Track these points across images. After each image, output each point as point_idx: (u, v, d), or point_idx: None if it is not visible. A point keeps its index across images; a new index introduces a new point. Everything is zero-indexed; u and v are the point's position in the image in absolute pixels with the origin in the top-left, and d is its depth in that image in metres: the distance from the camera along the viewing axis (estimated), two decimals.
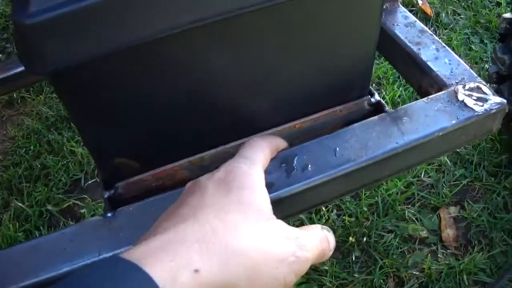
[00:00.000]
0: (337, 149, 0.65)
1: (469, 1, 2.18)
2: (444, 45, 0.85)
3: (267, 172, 0.62)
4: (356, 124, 0.69)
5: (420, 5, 2.07)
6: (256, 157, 0.58)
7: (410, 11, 2.08)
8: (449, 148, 0.77)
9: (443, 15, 2.07)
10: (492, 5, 2.16)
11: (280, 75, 0.63)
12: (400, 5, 0.96)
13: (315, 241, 0.51)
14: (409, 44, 0.85)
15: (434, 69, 0.80)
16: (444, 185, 1.47)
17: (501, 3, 2.13)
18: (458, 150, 1.54)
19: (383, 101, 0.74)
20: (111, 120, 0.58)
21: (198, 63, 0.56)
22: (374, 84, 1.75)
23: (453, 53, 0.83)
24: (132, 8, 0.47)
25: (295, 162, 0.64)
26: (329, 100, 0.70)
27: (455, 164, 1.53)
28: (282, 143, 0.66)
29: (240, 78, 0.61)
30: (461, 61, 0.82)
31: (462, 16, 2.09)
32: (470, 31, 2.02)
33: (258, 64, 0.60)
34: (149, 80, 0.55)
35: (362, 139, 0.67)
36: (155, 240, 0.44)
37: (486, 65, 1.84)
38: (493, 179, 1.49)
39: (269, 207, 0.52)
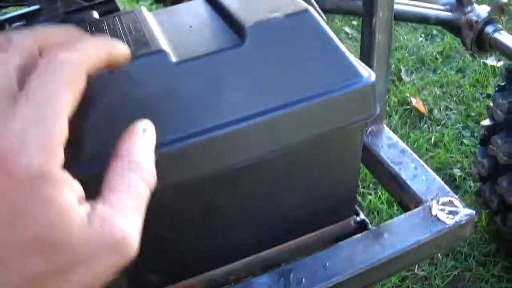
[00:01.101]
0: (327, 264, 0.78)
1: (461, 95, 2.32)
2: (422, 163, 0.98)
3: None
4: (343, 242, 0.80)
5: (413, 104, 2.21)
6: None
7: (405, 109, 2.23)
8: (425, 256, 0.89)
9: (436, 111, 2.22)
10: (483, 97, 2.30)
11: (277, 206, 0.75)
12: (385, 126, 1.10)
13: None
14: (391, 164, 0.98)
15: (413, 187, 0.93)
16: (436, 276, 1.57)
17: (491, 94, 2.27)
18: None
19: (367, 220, 0.86)
20: None
21: (209, 202, 0.69)
22: (371, 185, 1.87)
23: (429, 170, 0.96)
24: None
25: (292, 277, 0.76)
26: (320, 222, 0.83)
27: (446, 256, 1.63)
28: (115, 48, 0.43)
29: (243, 211, 0.73)
30: (437, 177, 0.94)
31: (454, 111, 2.23)
32: (461, 125, 2.15)
33: (261, 199, 0.73)
34: (170, 218, 0.67)
35: (348, 255, 0.79)
36: None
37: None
38: (481, 268, 1.60)
39: None
